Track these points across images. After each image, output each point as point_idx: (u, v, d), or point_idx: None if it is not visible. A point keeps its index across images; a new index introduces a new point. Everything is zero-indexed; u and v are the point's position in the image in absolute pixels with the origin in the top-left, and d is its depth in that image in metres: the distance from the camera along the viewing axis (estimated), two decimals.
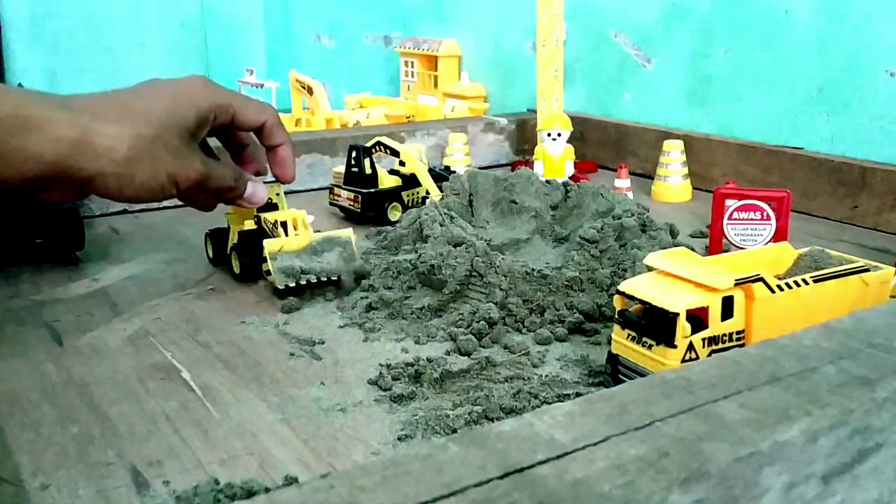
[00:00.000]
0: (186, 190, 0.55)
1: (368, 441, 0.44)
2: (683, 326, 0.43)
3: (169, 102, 0.53)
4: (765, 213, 0.69)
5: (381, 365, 0.52)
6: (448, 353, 0.54)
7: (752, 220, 0.69)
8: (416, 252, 0.64)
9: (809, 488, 0.28)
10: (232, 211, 0.71)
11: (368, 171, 0.85)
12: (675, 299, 0.44)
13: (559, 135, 0.95)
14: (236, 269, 0.70)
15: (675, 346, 0.43)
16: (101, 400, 0.48)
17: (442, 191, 0.79)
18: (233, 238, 0.71)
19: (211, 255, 0.74)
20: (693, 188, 0.99)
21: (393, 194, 0.86)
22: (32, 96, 0.49)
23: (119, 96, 0.53)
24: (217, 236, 0.74)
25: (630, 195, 0.91)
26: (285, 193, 0.71)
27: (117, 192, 0.51)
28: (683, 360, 0.43)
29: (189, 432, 0.44)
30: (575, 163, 0.97)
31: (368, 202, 0.85)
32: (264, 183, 0.63)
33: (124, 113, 0.51)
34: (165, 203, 0.95)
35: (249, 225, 0.70)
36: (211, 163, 0.56)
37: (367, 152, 0.87)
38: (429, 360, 0.52)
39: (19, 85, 1.16)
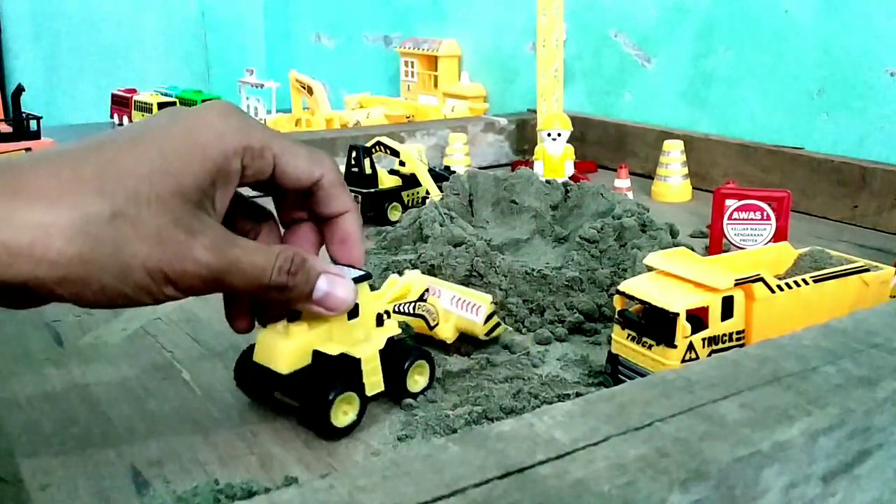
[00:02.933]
0: (196, 290, 0.37)
1: (368, 441, 0.44)
2: (683, 326, 0.43)
3: (152, 157, 0.35)
4: (765, 213, 0.69)
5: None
6: (448, 352, 0.54)
7: (752, 220, 0.69)
8: (416, 252, 0.64)
9: (809, 488, 0.28)
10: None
11: (368, 171, 0.85)
12: (675, 299, 0.44)
13: (559, 135, 0.95)
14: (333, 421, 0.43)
15: (675, 346, 0.43)
16: (101, 400, 0.48)
17: (442, 191, 0.79)
18: (287, 363, 0.43)
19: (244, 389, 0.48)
20: (693, 188, 0.99)
21: (393, 194, 0.86)
22: None
23: (68, 154, 0.35)
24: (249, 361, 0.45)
25: (630, 195, 0.91)
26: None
27: (75, 302, 0.34)
28: (683, 360, 0.43)
29: (189, 432, 0.44)
30: (575, 163, 0.97)
31: (368, 202, 0.85)
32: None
33: (68, 184, 0.33)
34: None
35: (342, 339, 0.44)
36: (231, 245, 0.37)
37: (367, 152, 0.87)
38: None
39: (19, 85, 1.16)
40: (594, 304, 0.59)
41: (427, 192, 0.88)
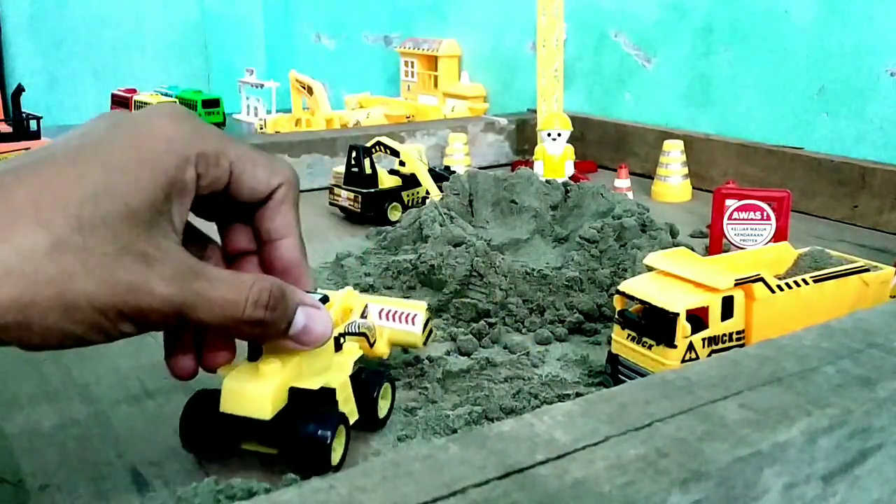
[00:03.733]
0: (156, 325, 0.32)
1: (368, 441, 0.44)
2: (683, 326, 0.43)
3: (94, 174, 0.30)
4: (765, 213, 0.69)
5: (381, 365, 0.52)
6: (448, 353, 0.54)
7: (752, 220, 0.69)
8: (416, 252, 0.64)
9: (809, 488, 0.28)
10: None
11: (368, 171, 0.85)
12: (675, 299, 0.44)
13: (559, 135, 0.95)
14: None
15: (675, 346, 0.43)
16: (101, 400, 0.48)
17: (442, 191, 0.79)
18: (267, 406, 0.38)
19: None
20: (693, 188, 0.99)
21: (393, 194, 0.86)
22: None
23: (1, 179, 0.29)
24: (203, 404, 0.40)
25: (630, 195, 0.91)
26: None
27: (18, 346, 0.30)
28: (683, 360, 0.43)
29: None
30: (575, 163, 0.97)
31: (368, 202, 0.85)
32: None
33: (6, 217, 0.28)
34: None
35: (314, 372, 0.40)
36: (197, 274, 0.32)
37: (367, 152, 0.87)
38: (429, 360, 0.52)
39: (19, 85, 1.15)
40: (594, 304, 0.59)
41: (427, 192, 0.88)
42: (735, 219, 0.70)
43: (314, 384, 0.39)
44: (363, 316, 0.47)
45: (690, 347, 0.44)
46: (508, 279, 0.60)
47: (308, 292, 0.38)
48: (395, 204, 0.86)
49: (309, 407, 0.39)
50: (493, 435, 0.26)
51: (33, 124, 1.12)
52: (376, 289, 0.63)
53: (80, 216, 0.29)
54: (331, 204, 0.90)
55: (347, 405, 0.41)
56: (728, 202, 0.70)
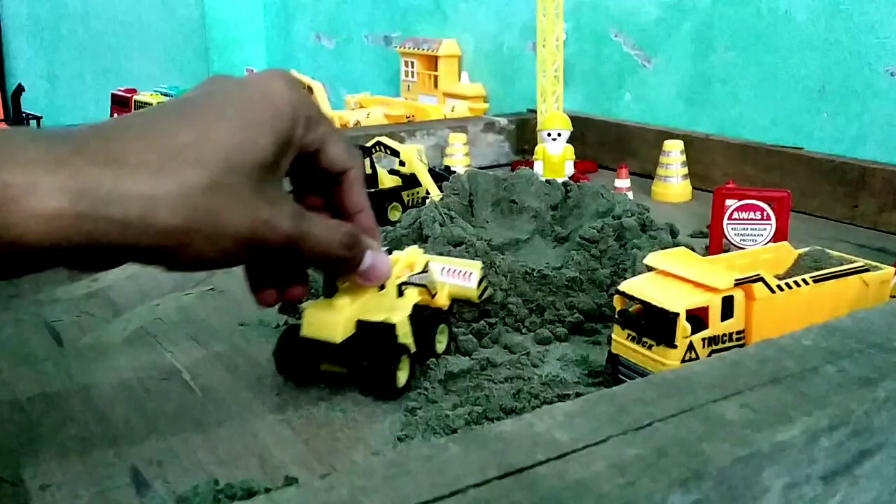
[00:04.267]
0: (272, 255, 0.39)
1: (368, 441, 0.44)
2: (683, 326, 0.43)
3: (238, 128, 0.36)
4: (765, 213, 0.69)
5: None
6: (448, 353, 0.54)
7: (752, 220, 0.69)
8: None
9: (809, 488, 0.28)
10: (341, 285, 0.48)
11: (368, 171, 0.85)
12: (675, 299, 0.44)
13: (559, 135, 0.95)
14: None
15: (675, 346, 0.43)
16: (101, 400, 0.48)
17: (442, 191, 0.79)
18: (339, 331, 0.47)
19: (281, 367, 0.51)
20: (693, 188, 0.99)
21: (393, 194, 0.86)
22: (22, 148, 0.32)
23: (156, 123, 0.35)
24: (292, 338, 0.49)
25: (630, 195, 0.91)
26: None
27: (165, 267, 0.36)
28: (683, 360, 0.43)
29: (189, 432, 0.44)
30: (575, 163, 0.97)
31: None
32: None
33: (168, 155, 0.34)
34: None
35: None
36: (308, 217, 0.40)
37: (367, 152, 0.87)
38: (430, 361, 0.52)
39: (19, 85, 1.15)
40: (594, 304, 0.59)
41: (427, 192, 0.88)
42: (735, 219, 0.70)
43: (376, 318, 0.48)
44: (424, 271, 0.54)
45: (690, 347, 0.44)
46: (508, 279, 0.60)
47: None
48: (395, 204, 0.86)
49: (372, 337, 0.47)
50: (493, 435, 0.26)
51: (33, 124, 1.12)
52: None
53: (230, 161, 0.35)
54: None
55: (406, 339, 0.49)
56: (728, 202, 0.70)
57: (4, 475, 0.40)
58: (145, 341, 0.57)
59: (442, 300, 0.55)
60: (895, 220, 0.83)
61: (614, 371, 0.48)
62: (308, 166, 0.43)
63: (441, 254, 0.61)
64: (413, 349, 0.49)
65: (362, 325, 0.48)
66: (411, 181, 0.88)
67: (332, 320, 0.46)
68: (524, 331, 0.58)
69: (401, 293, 0.51)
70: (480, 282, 0.57)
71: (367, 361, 0.47)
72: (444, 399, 0.48)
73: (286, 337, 0.49)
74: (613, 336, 0.48)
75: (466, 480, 0.24)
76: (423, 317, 0.51)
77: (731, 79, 1.10)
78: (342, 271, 0.45)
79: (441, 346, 0.53)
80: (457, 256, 0.61)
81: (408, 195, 0.88)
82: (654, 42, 1.21)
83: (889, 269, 0.51)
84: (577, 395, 0.48)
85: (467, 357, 0.53)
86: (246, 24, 2.41)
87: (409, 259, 0.53)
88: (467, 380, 0.50)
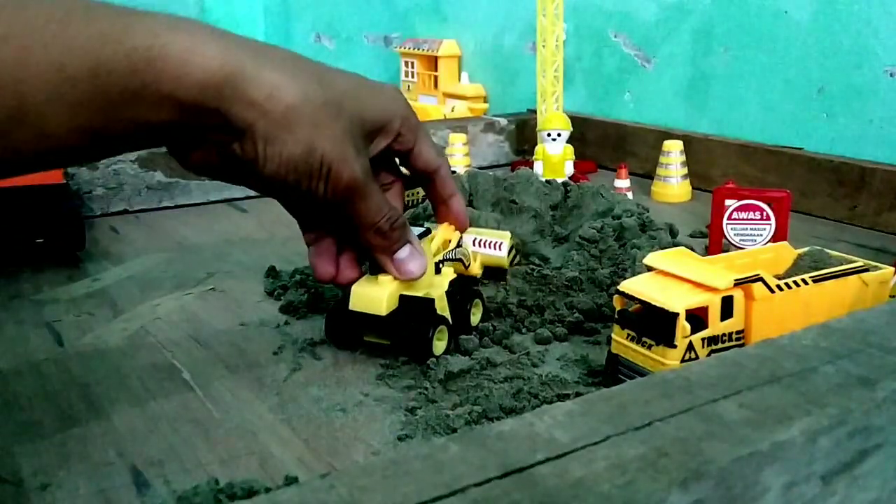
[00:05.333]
0: (335, 196, 0.43)
1: (368, 441, 0.44)
2: (683, 326, 0.43)
3: (353, 84, 0.44)
4: (764, 213, 0.69)
5: (381, 365, 0.52)
6: (448, 353, 0.54)
7: (751, 220, 0.70)
8: None
9: (809, 488, 0.28)
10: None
11: None
12: (675, 299, 0.44)
13: (559, 135, 0.95)
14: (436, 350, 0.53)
15: (674, 346, 0.43)
16: (101, 400, 0.48)
17: None
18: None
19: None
20: (693, 188, 0.99)
21: None
22: (178, 22, 0.37)
23: (294, 54, 0.43)
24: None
25: (630, 195, 0.91)
26: None
27: (259, 159, 0.40)
28: (683, 360, 0.43)
29: (189, 432, 0.45)
30: (575, 163, 0.97)
31: None
32: None
33: (299, 68, 0.41)
34: (165, 202, 0.95)
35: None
36: (373, 183, 0.45)
37: None
38: (430, 361, 0.52)
39: None
40: (594, 304, 0.59)
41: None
42: (734, 219, 0.70)
43: (418, 293, 0.52)
44: (459, 245, 0.57)
45: (690, 347, 0.44)
46: (508, 279, 0.60)
47: (418, 226, 0.54)
48: None
49: (414, 311, 0.51)
50: (493, 435, 0.26)
51: None
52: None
53: (343, 98, 0.42)
54: None
55: (444, 313, 0.53)
56: (728, 202, 0.70)
57: (4, 475, 0.40)
58: (145, 341, 0.57)
59: (475, 270, 0.59)
60: (894, 220, 0.83)
61: (614, 371, 0.48)
62: (405, 163, 0.52)
63: None
64: (451, 322, 0.53)
65: (405, 300, 0.51)
66: (411, 181, 0.88)
67: (377, 295, 0.50)
68: (524, 331, 0.58)
69: (438, 270, 0.55)
70: (510, 250, 0.63)
71: (408, 332, 0.51)
72: (444, 399, 0.48)
73: (336, 310, 0.54)
74: (613, 336, 0.48)
75: (466, 480, 0.24)
76: (460, 292, 0.55)
77: (731, 79, 1.10)
78: (378, 248, 0.49)
79: (475, 318, 0.57)
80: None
81: (408, 195, 0.87)
82: (654, 42, 1.21)
83: (888, 269, 0.51)
84: (577, 394, 0.48)
85: (467, 357, 0.53)
86: (246, 24, 2.41)
87: (444, 236, 0.56)
88: (467, 379, 0.50)
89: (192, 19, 0.39)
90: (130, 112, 0.36)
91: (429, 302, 0.52)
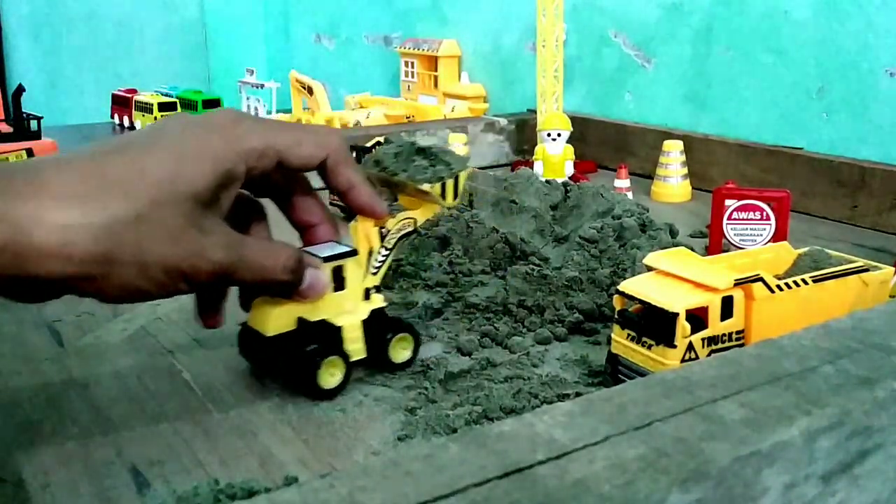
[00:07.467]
0: (205, 284, 0.40)
1: (368, 441, 0.44)
2: (683, 326, 0.43)
3: (169, 162, 0.38)
4: (764, 213, 0.69)
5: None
6: (448, 353, 0.54)
7: (751, 220, 0.69)
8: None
9: (809, 488, 0.28)
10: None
11: None
12: (675, 299, 0.44)
13: (559, 135, 0.95)
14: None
15: (674, 346, 0.43)
16: (101, 400, 0.48)
17: None
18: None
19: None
20: (693, 188, 0.99)
21: None
22: None
23: (90, 157, 0.37)
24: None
25: (630, 195, 0.91)
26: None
27: (96, 296, 0.37)
28: (683, 360, 0.43)
29: (189, 432, 0.45)
30: (575, 163, 0.97)
31: None
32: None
33: (95, 187, 0.36)
34: None
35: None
36: (247, 244, 0.41)
37: (367, 152, 0.86)
38: (429, 360, 0.52)
39: (19, 85, 1.15)
40: (594, 304, 0.59)
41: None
42: (734, 219, 0.70)
43: (314, 318, 0.47)
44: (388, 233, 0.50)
45: (690, 347, 0.44)
46: (508, 279, 0.60)
47: (342, 244, 0.48)
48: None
49: (309, 336, 0.47)
50: (493, 435, 0.26)
51: (34, 124, 1.12)
52: (377, 288, 0.63)
53: (159, 194, 0.36)
54: (331, 204, 0.90)
55: (354, 344, 0.49)
56: (728, 202, 0.70)
57: (4, 475, 0.40)
58: (145, 341, 0.57)
59: (426, 214, 0.51)
60: (894, 220, 0.83)
61: (614, 371, 0.48)
62: (289, 180, 0.47)
63: None
64: (359, 355, 0.49)
65: (303, 323, 0.47)
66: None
67: (264, 314, 0.47)
68: (524, 331, 0.58)
69: (367, 296, 0.50)
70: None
71: (290, 358, 0.47)
72: (444, 399, 0.48)
73: (244, 325, 0.49)
74: (613, 336, 0.48)
75: (466, 480, 0.24)
76: (380, 323, 0.49)
77: (731, 79, 1.10)
78: (284, 293, 0.45)
79: (401, 354, 0.51)
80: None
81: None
82: (654, 42, 1.21)
83: (888, 269, 0.51)
84: (577, 394, 0.48)
85: (467, 357, 0.53)
86: (246, 24, 2.41)
87: (364, 231, 0.49)
88: (467, 380, 0.50)
89: None
90: None
91: (332, 329, 0.47)
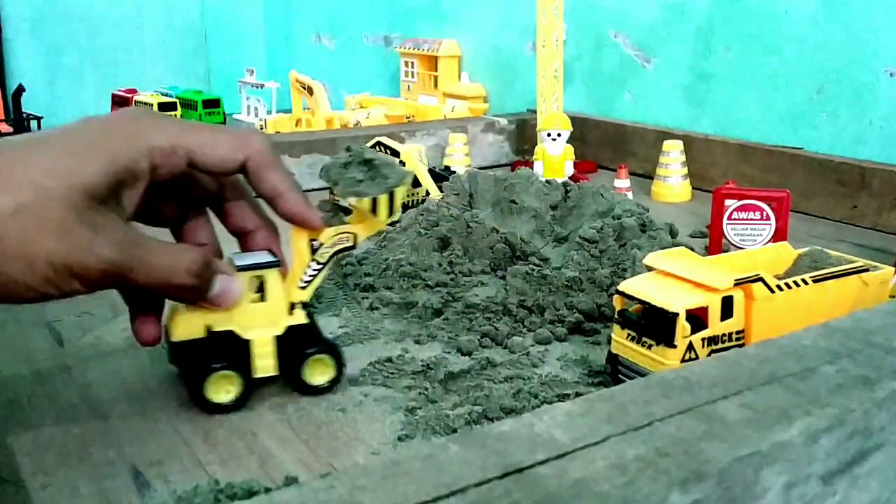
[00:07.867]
0: (99, 284, 0.37)
1: (368, 441, 0.44)
2: (683, 326, 0.43)
3: (61, 155, 0.36)
4: (764, 213, 0.69)
5: (381, 365, 0.52)
6: (448, 353, 0.54)
7: (751, 220, 0.69)
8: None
9: (809, 488, 0.28)
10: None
11: None
12: (675, 299, 0.44)
13: (559, 135, 0.95)
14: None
15: (674, 346, 0.43)
16: (101, 400, 0.48)
17: (442, 191, 0.79)
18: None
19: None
20: (693, 188, 0.99)
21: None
22: None
23: None
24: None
25: (630, 195, 0.91)
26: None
27: None
28: (683, 360, 0.43)
29: (189, 432, 0.44)
30: (575, 163, 0.97)
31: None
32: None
33: None
34: None
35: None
36: (144, 244, 0.39)
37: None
38: (429, 361, 0.52)
39: (19, 86, 1.16)
40: (594, 304, 0.59)
41: (427, 193, 0.88)
42: (735, 219, 0.70)
43: (222, 327, 0.45)
44: (315, 250, 0.46)
45: (690, 347, 0.44)
46: (508, 279, 0.60)
47: (271, 251, 0.46)
48: None
49: (211, 347, 0.45)
50: (493, 435, 0.26)
51: (34, 124, 1.12)
52: (376, 289, 0.63)
53: (44, 186, 0.35)
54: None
55: (264, 360, 0.46)
56: (728, 202, 0.70)
57: (4, 475, 0.40)
58: None
59: (366, 231, 0.47)
60: (895, 220, 0.83)
61: (614, 371, 0.48)
62: (222, 185, 0.45)
63: None
64: (267, 372, 0.46)
65: (211, 333, 0.45)
66: (411, 181, 0.88)
67: (175, 318, 0.45)
68: (524, 331, 0.58)
69: (293, 309, 0.47)
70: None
71: (187, 368, 0.45)
72: (444, 399, 0.48)
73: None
74: (613, 336, 0.48)
75: (466, 480, 0.24)
76: (296, 341, 0.46)
77: (731, 79, 1.10)
78: (189, 299, 0.43)
79: (318, 377, 0.48)
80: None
81: (408, 195, 0.88)
82: (654, 42, 1.21)
83: (889, 269, 0.51)
84: (577, 394, 0.48)
85: (467, 357, 0.53)
86: (246, 24, 2.41)
87: (294, 242, 0.46)
88: (467, 380, 0.50)
89: None
90: None
91: (238, 342, 0.45)
